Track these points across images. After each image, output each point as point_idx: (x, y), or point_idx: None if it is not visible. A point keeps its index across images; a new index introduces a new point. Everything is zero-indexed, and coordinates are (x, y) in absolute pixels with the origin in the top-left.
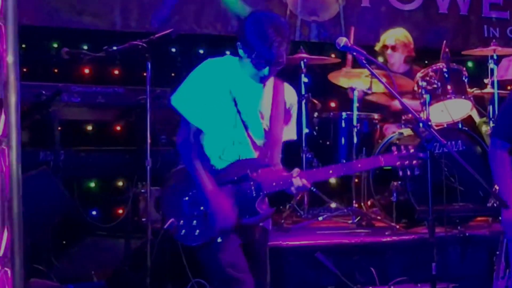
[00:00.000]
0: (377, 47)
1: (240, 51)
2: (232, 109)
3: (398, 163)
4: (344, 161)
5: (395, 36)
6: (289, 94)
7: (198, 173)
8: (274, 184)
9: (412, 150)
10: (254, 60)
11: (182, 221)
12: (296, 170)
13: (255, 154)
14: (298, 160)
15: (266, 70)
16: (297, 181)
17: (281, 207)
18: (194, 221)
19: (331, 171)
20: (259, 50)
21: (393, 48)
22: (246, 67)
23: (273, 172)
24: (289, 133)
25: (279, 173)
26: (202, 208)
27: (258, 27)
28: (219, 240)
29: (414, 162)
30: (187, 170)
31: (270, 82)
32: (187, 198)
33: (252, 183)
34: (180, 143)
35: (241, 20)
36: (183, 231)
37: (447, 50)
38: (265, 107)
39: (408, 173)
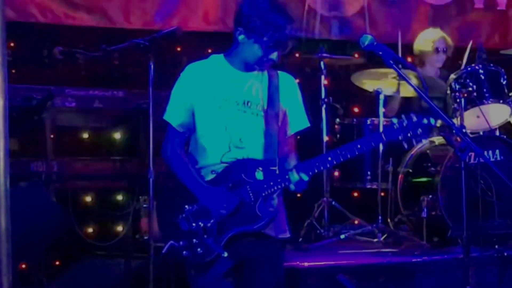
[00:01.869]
0: (425, 48)
1: (242, 37)
2: (219, 110)
3: (400, 137)
4: (369, 172)
5: (445, 38)
6: (286, 84)
7: (189, 176)
8: (271, 183)
9: (415, 119)
10: (265, 43)
11: (181, 242)
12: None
13: (253, 154)
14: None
15: (275, 55)
16: (294, 176)
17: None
18: (194, 239)
19: (329, 158)
20: (273, 33)
21: (445, 51)
22: (242, 56)
23: (271, 170)
24: (299, 123)
25: (277, 171)
26: (200, 223)
27: (265, 9)
28: (225, 255)
29: (419, 131)
30: (179, 185)
31: (265, 72)
32: (183, 215)
33: (248, 187)
34: (168, 153)
35: (241, 4)
36: (185, 252)
37: (483, 49)
38: (260, 99)
39: (414, 143)
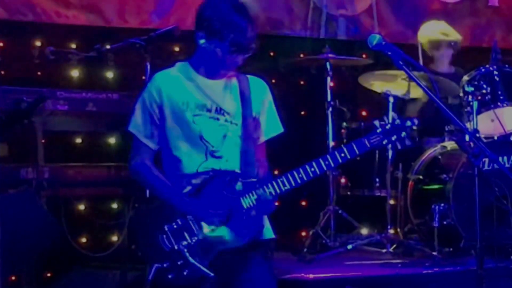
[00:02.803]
0: (424, 42)
1: (202, 42)
2: (192, 118)
3: (385, 141)
4: (377, 179)
5: (446, 30)
6: (257, 88)
7: (165, 186)
8: (252, 195)
9: (397, 121)
10: (227, 49)
11: (166, 264)
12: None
13: (231, 163)
14: (324, 177)
15: (239, 59)
16: (263, 192)
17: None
18: (179, 261)
19: (308, 168)
20: (234, 37)
21: (450, 46)
22: (205, 62)
23: (250, 183)
24: (273, 129)
25: (255, 184)
26: (184, 242)
27: (225, 12)
28: (211, 275)
29: (403, 134)
30: (152, 204)
31: (233, 78)
32: (164, 235)
33: (229, 201)
34: (137, 166)
35: (201, 8)
36: (170, 275)
37: (498, 49)
38: (233, 106)
39: (399, 147)
